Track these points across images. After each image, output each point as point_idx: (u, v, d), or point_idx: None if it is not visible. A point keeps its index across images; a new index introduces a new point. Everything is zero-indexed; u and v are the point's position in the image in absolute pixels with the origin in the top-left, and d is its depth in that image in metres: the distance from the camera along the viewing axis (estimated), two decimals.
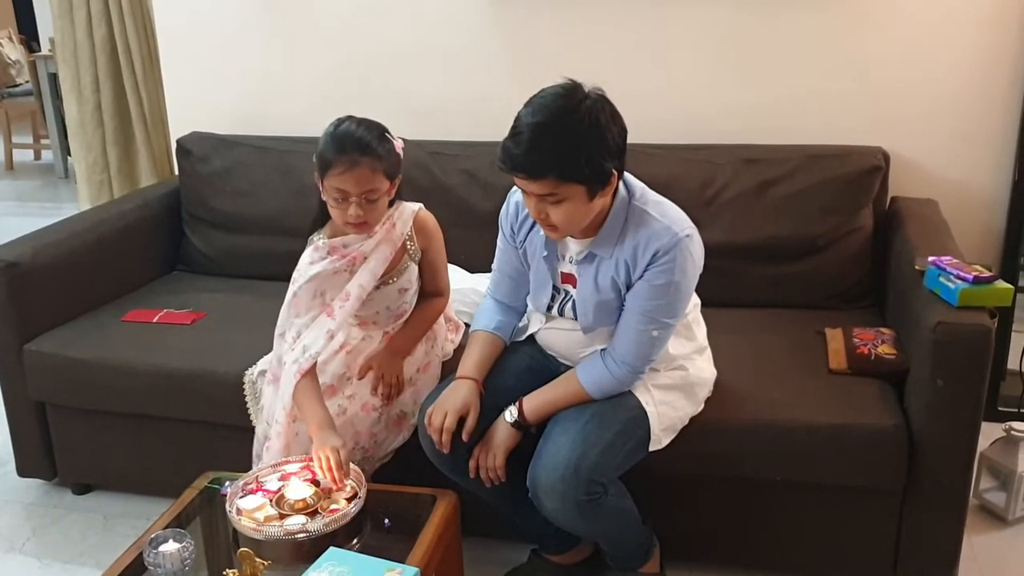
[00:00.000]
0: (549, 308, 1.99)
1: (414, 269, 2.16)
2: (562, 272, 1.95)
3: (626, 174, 1.86)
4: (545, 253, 1.93)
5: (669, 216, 1.84)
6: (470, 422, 1.90)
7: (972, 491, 2.10)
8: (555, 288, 1.97)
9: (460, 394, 1.91)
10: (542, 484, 1.82)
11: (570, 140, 1.67)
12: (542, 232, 1.88)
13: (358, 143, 1.91)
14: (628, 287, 1.85)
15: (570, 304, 1.95)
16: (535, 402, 1.91)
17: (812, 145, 2.63)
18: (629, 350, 1.86)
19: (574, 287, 1.93)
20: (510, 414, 1.91)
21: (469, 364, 1.99)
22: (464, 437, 1.89)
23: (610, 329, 1.91)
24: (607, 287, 1.86)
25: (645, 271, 1.81)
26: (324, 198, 2.00)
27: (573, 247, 1.91)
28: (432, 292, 2.22)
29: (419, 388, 2.15)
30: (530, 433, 1.92)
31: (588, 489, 1.79)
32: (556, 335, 2.02)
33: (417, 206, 2.15)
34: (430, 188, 2.71)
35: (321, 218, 2.10)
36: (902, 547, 2.07)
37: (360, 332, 2.16)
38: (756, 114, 2.77)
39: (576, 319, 1.94)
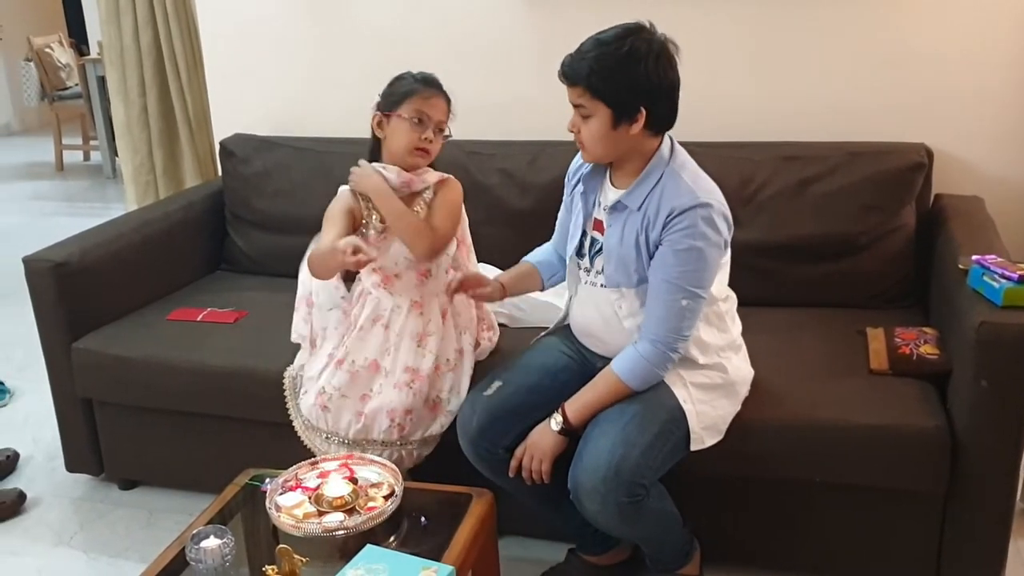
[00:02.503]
0: (580, 254, 2.03)
1: None
2: (595, 218, 2.01)
3: (677, 144, 1.93)
4: (583, 190, 2.02)
5: (698, 185, 1.88)
6: (484, 294, 2.13)
7: (1019, 494, 2.06)
8: (584, 232, 2.02)
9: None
10: (584, 487, 1.82)
11: (607, 59, 1.81)
12: (585, 169, 2.03)
13: (437, 81, 2.17)
14: (648, 249, 1.87)
15: (599, 257, 1.98)
16: (577, 405, 1.92)
17: (853, 142, 2.60)
18: (660, 325, 1.86)
19: (602, 235, 1.97)
20: (555, 422, 1.92)
21: (505, 276, 2.20)
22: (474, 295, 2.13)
23: (632, 292, 1.92)
24: (630, 243, 1.90)
25: (663, 233, 1.84)
26: (386, 132, 2.16)
27: (610, 195, 1.96)
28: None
29: (457, 374, 2.19)
30: (575, 436, 1.93)
31: (630, 491, 1.80)
32: (590, 313, 2.02)
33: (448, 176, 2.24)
34: (467, 188, 2.67)
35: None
36: (945, 551, 2.04)
37: (389, 300, 2.18)
38: (796, 111, 2.74)
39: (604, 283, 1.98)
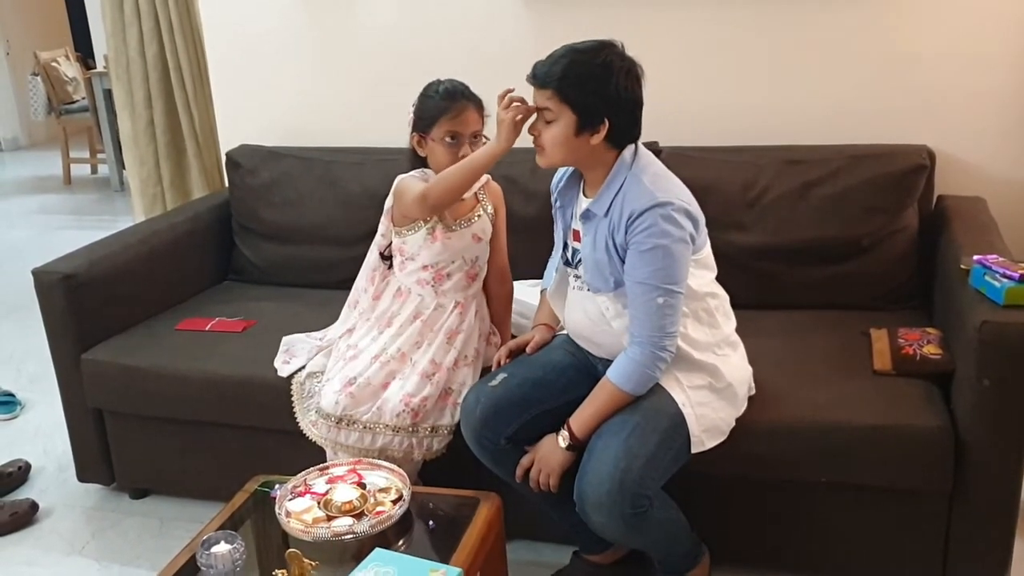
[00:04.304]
0: (567, 263, 2.09)
1: (488, 222, 2.29)
2: (573, 229, 2.06)
3: (642, 148, 1.96)
4: (560, 204, 2.09)
5: (658, 187, 1.90)
6: (536, 342, 2.16)
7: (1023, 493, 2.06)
8: (566, 244, 2.08)
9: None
10: (589, 500, 1.84)
11: (581, 67, 1.87)
12: (561, 184, 2.09)
13: (464, 90, 2.21)
14: (618, 253, 1.91)
15: (581, 265, 2.03)
16: (580, 419, 1.94)
17: (855, 145, 2.62)
18: (643, 326, 1.89)
19: (579, 243, 2.03)
20: (563, 439, 1.95)
21: (541, 316, 2.24)
22: (529, 350, 2.15)
23: (612, 295, 1.95)
24: (602, 248, 1.94)
25: (627, 237, 1.88)
26: (425, 151, 2.21)
27: (582, 204, 2.02)
28: (498, 267, 2.34)
29: (473, 369, 2.26)
30: (583, 449, 1.94)
31: (634, 503, 1.82)
32: (580, 317, 2.06)
33: (487, 176, 2.32)
34: None
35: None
36: (951, 551, 2.05)
37: (433, 299, 2.24)
38: (798, 115, 2.75)
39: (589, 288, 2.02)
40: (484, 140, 2.20)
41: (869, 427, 1.99)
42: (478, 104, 2.20)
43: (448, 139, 2.17)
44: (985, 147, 2.67)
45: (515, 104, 1.95)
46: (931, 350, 2.13)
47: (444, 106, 2.17)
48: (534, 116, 1.95)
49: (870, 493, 2.06)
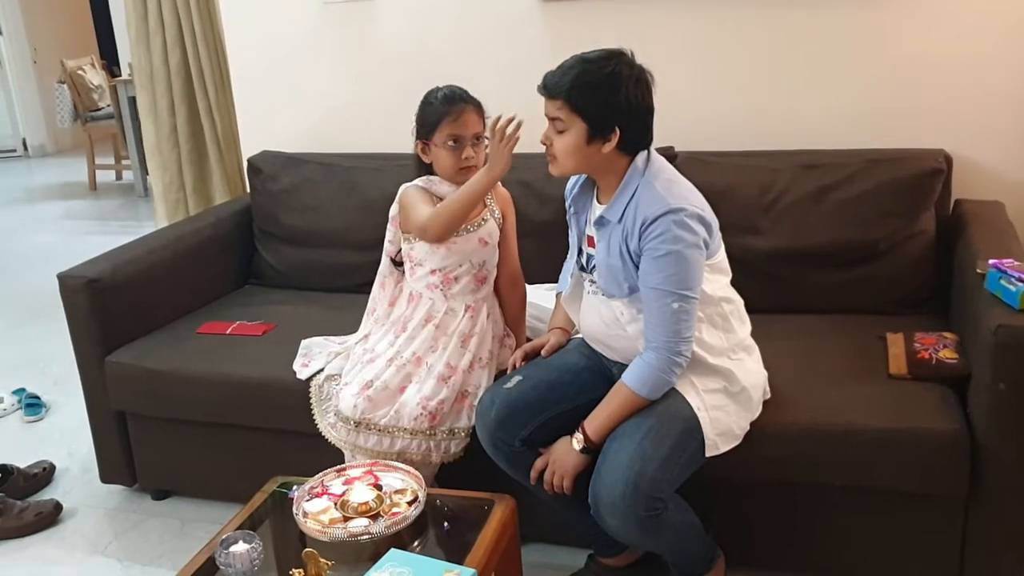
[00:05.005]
0: (582, 268, 2.11)
1: (494, 226, 2.30)
2: (587, 235, 2.07)
3: (655, 154, 1.97)
4: (574, 210, 2.11)
5: (671, 193, 1.91)
6: (552, 345, 2.18)
7: None
8: (581, 250, 2.10)
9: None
10: (603, 502, 1.85)
11: (590, 77, 1.89)
12: (575, 191, 2.11)
13: (463, 93, 2.23)
14: (632, 259, 1.92)
15: (596, 270, 2.04)
16: (595, 423, 1.95)
17: (872, 149, 2.61)
18: (658, 332, 1.90)
19: (594, 249, 2.04)
20: (577, 442, 1.96)
21: (557, 319, 2.27)
22: (544, 353, 2.17)
23: (627, 300, 1.96)
24: (616, 254, 1.95)
25: (640, 243, 1.89)
26: (430, 158, 2.25)
27: (596, 211, 2.03)
28: (509, 272, 2.35)
29: (489, 372, 2.27)
30: (597, 451, 1.96)
31: (648, 505, 1.83)
32: (595, 321, 2.07)
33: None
34: None
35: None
36: (967, 555, 2.04)
37: (443, 303, 2.26)
38: (814, 119, 2.75)
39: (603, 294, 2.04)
40: (486, 140, 2.22)
41: (885, 431, 1.98)
42: (477, 106, 2.23)
43: (451, 143, 2.20)
44: (1003, 151, 2.66)
45: (509, 133, 1.98)
46: (947, 354, 2.13)
47: (444, 110, 2.20)
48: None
49: (886, 497, 2.06)
